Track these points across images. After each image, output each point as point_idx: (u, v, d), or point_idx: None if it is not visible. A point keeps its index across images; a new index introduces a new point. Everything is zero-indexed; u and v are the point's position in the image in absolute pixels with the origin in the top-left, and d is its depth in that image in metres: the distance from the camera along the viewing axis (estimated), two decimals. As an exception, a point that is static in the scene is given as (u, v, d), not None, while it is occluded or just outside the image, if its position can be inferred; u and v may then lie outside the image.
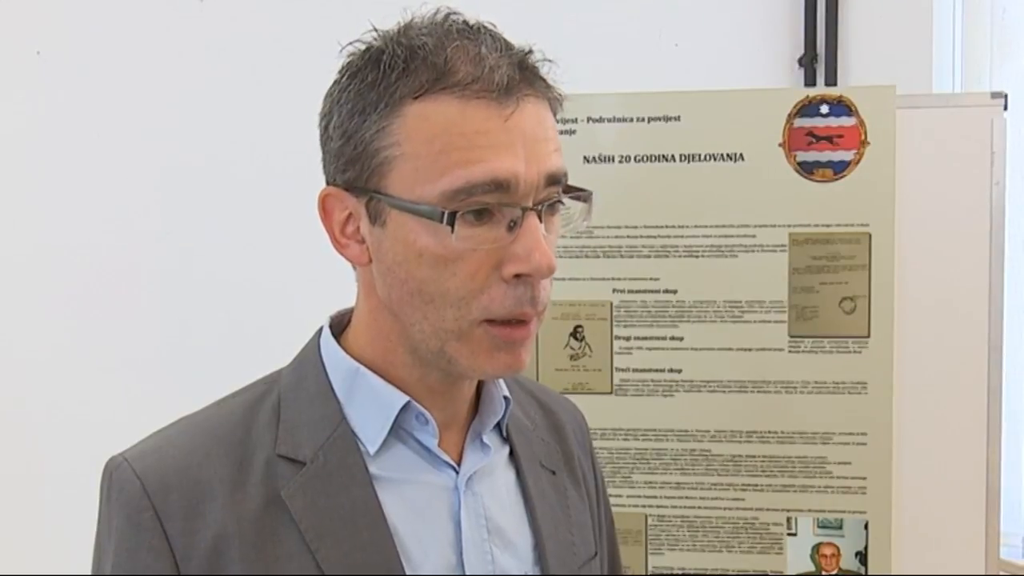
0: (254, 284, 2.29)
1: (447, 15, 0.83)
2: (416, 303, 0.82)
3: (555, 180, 0.82)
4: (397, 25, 0.84)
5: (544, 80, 0.83)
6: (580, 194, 0.87)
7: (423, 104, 0.79)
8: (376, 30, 0.84)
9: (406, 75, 0.79)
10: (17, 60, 2.33)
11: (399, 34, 0.82)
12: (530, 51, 0.83)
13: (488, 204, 0.79)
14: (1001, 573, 1.87)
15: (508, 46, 0.82)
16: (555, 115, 0.85)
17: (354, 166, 0.82)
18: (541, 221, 0.81)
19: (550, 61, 0.84)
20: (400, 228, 0.81)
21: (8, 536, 2.31)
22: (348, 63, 0.84)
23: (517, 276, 0.81)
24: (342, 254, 0.87)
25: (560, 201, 0.85)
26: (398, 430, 0.87)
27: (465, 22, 0.83)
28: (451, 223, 0.78)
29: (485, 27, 0.83)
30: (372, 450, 0.86)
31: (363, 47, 0.84)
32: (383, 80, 0.80)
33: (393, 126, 0.80)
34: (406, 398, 0.86)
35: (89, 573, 0.85)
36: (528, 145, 0.80)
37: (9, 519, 2.33)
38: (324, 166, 0.87)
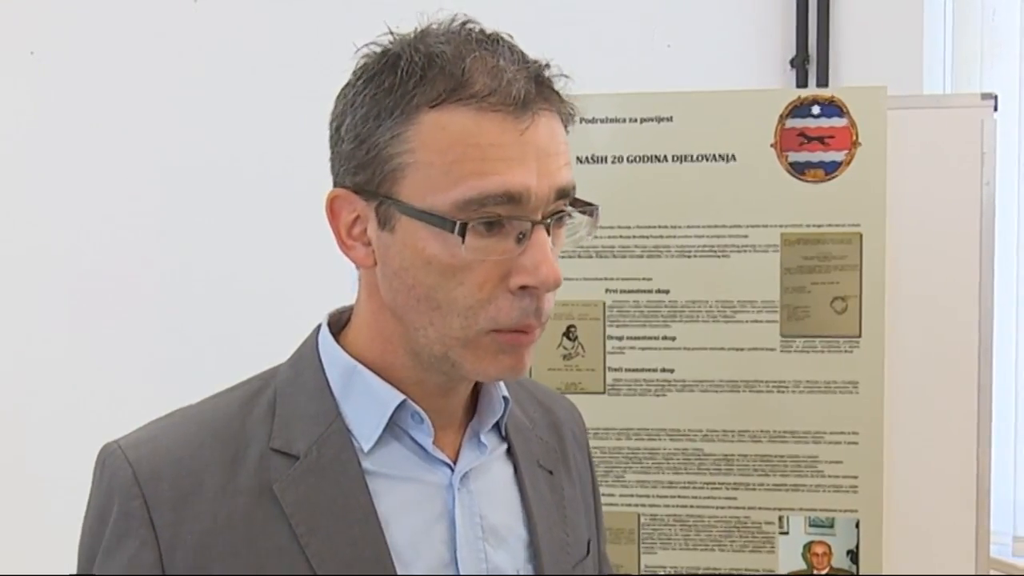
0: (253, 283, 2.29)
1: (464, 23, 0.83)
2: (422, 308, 0.83)
3: (564, 194, 0.83)
4: (414, 30, 0.83)
5: (559, 94, 0.84)
6: (587, 208, 0.88)
7: (439, 113, 0.79)
8: (392, 33, 0.84)
9: (424, 83, 0.79)
10: (11, 60, 2.33)
11: (416, 40, 0.82)
12: (547, 64, 0.84)
13: (499, 216, 0.80)
14: (991, 572, 1.88)
15: (525, 59, 0.83)
16: (567, 128, 0.86)
17: (366, 170, 0.82)
18: (549, 234, 0.82)
19: (566, 76, 0.85)
20: (409, 235, 0.81)
21: (8, 536, 2.30)
22: (363, 65, 0.84)
23: (523, 288, 0.81)
24: (347, 255, 0.87)
25: (568, 214, 0.86)
26: (394, 428, 0.87)
27: (483, 31, 0.83)
28: (462, 233, 0.78)
29: (503, 38, 0.83)
30: (367, 447, 0.86)
31: (379, 50, 0.84)
32: (400, 87, 0.80)
33: (408, 133, 0.80)
34: (402, 396, 0.86)
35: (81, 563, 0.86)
36: (541, 159, 0.80)
37: (9, 519, 2.33)
38: (332, 167, 0.86)
